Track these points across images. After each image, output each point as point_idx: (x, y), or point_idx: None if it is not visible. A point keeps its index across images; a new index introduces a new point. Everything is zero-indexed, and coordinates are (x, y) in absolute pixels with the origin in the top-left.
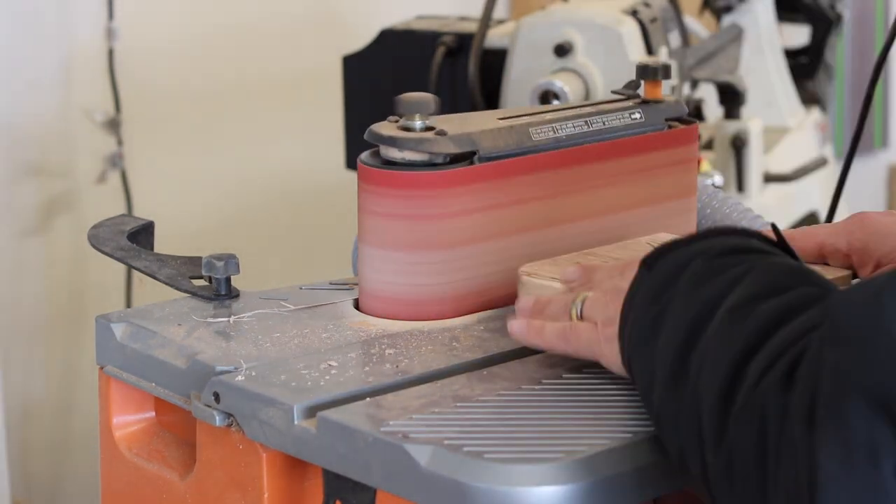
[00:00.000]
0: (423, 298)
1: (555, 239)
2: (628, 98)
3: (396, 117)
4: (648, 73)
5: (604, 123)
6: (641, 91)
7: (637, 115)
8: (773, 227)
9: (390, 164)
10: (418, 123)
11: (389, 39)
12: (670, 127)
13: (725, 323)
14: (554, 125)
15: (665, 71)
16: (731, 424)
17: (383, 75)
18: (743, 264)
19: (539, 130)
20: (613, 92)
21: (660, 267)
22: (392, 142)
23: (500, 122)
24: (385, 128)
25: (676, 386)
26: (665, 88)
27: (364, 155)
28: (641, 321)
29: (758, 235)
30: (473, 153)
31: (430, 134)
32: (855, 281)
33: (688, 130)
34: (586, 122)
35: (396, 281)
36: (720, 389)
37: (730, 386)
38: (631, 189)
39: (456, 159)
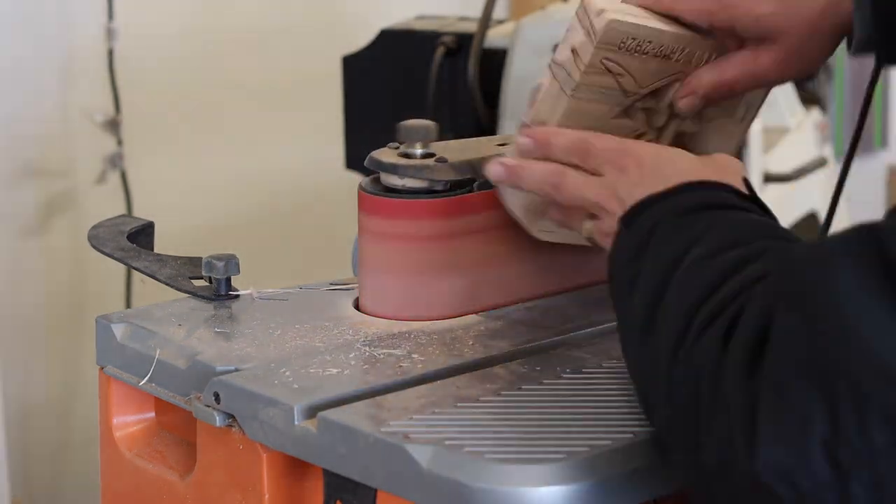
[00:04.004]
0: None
1: (556, 265)
2: None
3: (397, 144)
4: None
5: None
6: None
7: None
8: (745, 180)
9: (390, 191)
10: (419, 150)
11: (389, 39)
12: None
13: (684, 277)
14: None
15: None
16: (674, 377)
17: (383, 75)
18: (707, 220)
19: None
20: None
21: (635, 227)
22: (393, 169)
23: (500, 148)
24: (385, 155)
25: (644, 340)
26: None
27: (364, 182)
28: (620, 280)
29: (729, 189)
30: (473, 180)
31: (430, 161)
32: None
33: None
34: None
35: (396, 305)
36: (673, 342)
37: (679, 338)
38: None
39: (456, 185)
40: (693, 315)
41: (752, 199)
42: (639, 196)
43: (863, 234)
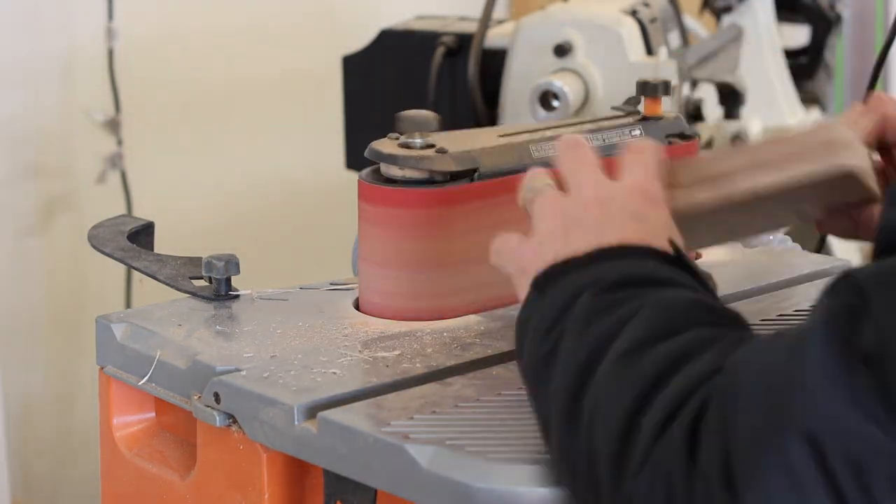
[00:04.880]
0: (423, 316)
1: None
2: (628, 114)
3: (397, 134)
4: (649, 89)
5: (604, 140)
6: (641, 107)
7: (637, 132)
8: (672, 243)
9: (390, 181)
10: (419, 141)
11: (389, 39)
12: (670, 143)
13: (616, 369)
14: (554, 142)
15: (665, 88)
16: (630, 481)
17: (383, 75)
18: (634, 300)
19: (539, 147)
20: (614, 108)
21: (551, 295)
22: (393, 160)
23: (501, 139)
24: (385, 145)
25: (570, 434)
26: (665, 104)
27: (364, 172)
28: (535, 356)
29: (656, 255)
30: (474, 171)
31: (430, 152)
32: None
33: (687, 146)
34: (586, 138)
35: (396, 299)
36: (615, 442)
37: (624, 439)
38: None
39: (456, 176)
40: (637, 412)
41: (676, 261)
42: (547, 256)
43: (832, 319)
